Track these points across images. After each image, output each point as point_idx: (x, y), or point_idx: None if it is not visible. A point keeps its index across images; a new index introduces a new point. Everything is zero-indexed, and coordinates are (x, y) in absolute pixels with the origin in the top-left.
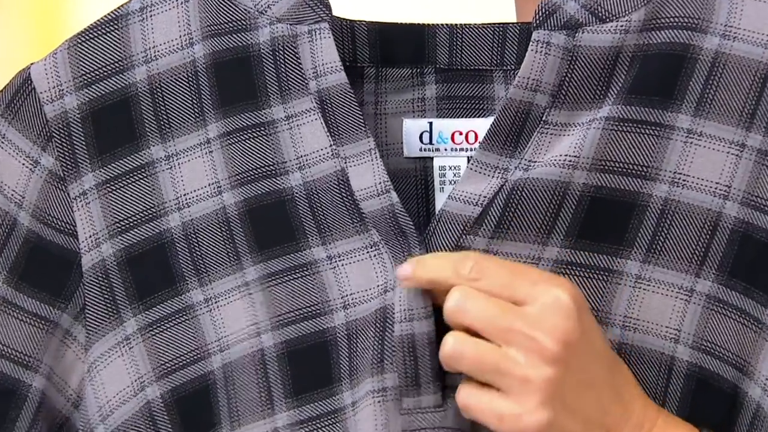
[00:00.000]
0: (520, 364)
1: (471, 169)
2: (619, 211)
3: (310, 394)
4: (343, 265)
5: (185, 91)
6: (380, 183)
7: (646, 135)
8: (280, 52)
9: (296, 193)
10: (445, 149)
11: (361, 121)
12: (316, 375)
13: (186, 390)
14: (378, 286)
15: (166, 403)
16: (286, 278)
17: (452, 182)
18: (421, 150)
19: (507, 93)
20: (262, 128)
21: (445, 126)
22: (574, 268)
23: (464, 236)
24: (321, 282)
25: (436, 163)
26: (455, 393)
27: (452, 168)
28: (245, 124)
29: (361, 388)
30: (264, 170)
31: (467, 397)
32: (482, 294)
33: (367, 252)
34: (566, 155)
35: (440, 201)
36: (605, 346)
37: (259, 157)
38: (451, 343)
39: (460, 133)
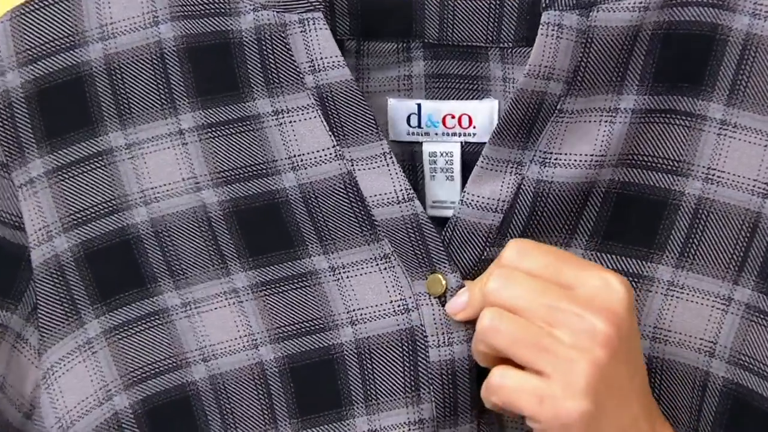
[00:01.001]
0: (565, 343)
1: (482, 167)
2: (648, 210)
3: (317, 416)
4: (348, 277)
5: (150, 74)
6: (401, 190)
7: (675, 126)
8: (267, 41)
9: (291, 195)
10: (436, 134)
11: (372, 121)
12: (323, 395)
13: (160, 400)
14: (392, 302)
15: (136, 414)
16: (283, 288)
17: (444, 170)
18: (408, 134)
19: (517, 83)
20: (247, 123)
21: (435, 108)
22: None
23: (488, 248)
24: (323, 294)
25: (426, 148)
26: (486, 417)
27: (444, 154)
28: (228, 118)
29: (386, 416)
30: (252, 169)
31: (502, 377)
32: (523, 273)
33: (377, 264)
34: (593, 155)
35: (431, 190)
36: (642, 358)
37: (246, 155)
38: (489, 316)
39: (453, 117)
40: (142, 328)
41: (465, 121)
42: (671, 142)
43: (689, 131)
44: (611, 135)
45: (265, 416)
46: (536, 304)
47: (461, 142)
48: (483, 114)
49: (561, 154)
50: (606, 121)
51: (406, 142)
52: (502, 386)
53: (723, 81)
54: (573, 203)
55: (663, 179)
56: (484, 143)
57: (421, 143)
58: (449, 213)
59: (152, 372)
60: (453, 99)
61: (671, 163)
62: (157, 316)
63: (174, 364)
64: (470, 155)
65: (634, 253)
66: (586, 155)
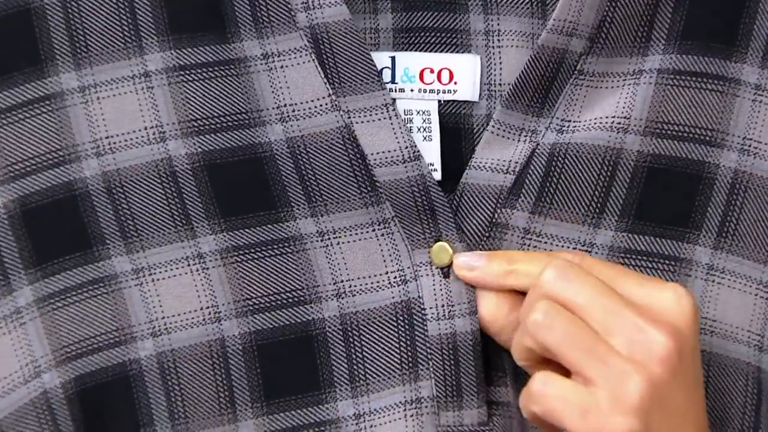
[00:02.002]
0: (621, 354)
1: (493, 133)
2: (682, 185)
3: (287, 400)
4: (338, 243)
5: (110, 4)
6: (406, 147)
7: (707, 91)
8: None
9: (277, 150)
10: (412, 90)
11: (372, 67)
12: (296, 376)
13: (95, 380)
14: (387, 273)
15: (67, 394)
16: (259, 254)
17: (420, 129)
18: None
19: (538, 40)
20: (231, 66)
21: (412, 61)
22: (634, 256)
23: (499, 210)
24: (307, 262)
25: (401, 106)
26: (501, 409)
27: (421, 113)
28: (206, 60)
29: (377, 398)
30: (232, 119)
31: (545, 384)
32: (586, 271)
33: (373, 230)
34: (614, 117)
35: None
36: (701, 380)
37: (226, 103)
38: (545, 308)
39: (431, 71)
40: (83, 297)
41: (445, 77)
42: (703, 109)
43: (722, 97)
44: (635, 96)
45: (221, 400)
46: (596, 304)
47: (439, 100)
48: (465, 69)
49: (579, 121)
50: (630, 84)
51: None
52: (544, 394)
53: (757, 41)
54: (598, 175)
55: (696, 150)
56: (464, 102)
57: (394, 101)
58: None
59: (90, 347)
60: (431, 52)
61: (704, 133)
62: (101, 284)
63: (116, 339)
64: (449, 116)
65: (669, 234)
66: (606, 117)
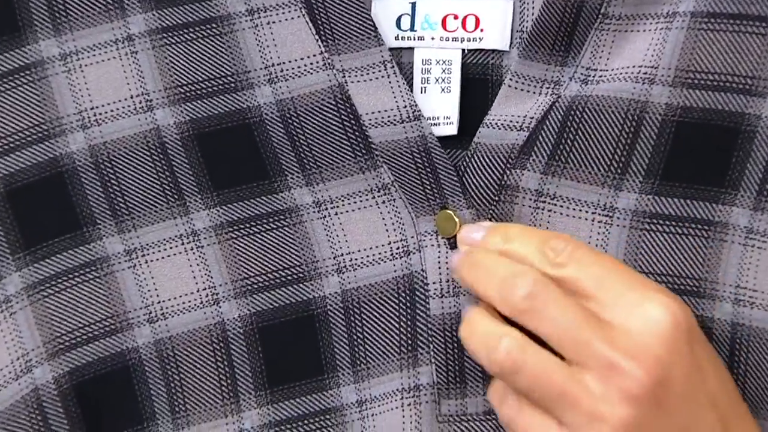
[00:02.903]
0: (593, 395)
1: (510, 86)
2: (716, 140)
3: (291, 387)
4: (336, 213)
5: None
6: (406, 107)
7: (746, 35)
8: None
9: (266, 114)
10: (432, 38)
11: (369, 22)
12: (300, 360)
13: (92, 372)
14: (390, 244)
15: (61, 390)
16: (255, 229)
17: (439, 80)
18: (397, 38)
19: None
20: (213, 26)
21: (434, 6)
22: (661, 222)
23: (509, 171)
24: (304, 236)
25: (419, 55)
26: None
27: (441, 62)
28: (189, 19)
29: (377, 383)
30: (218, 83)
31: (513, 412)
32: (564, 292)
33: (373, 197)
34: (641, 66)
35: (420, 105)
36: (726, 390)
37: (211, 65)
38: (507, 347)
39: (455, 17)
40: (75, 283)
41: (470, 23)
42: (742, 55)
43: (763, 39)
44: (664, 43)
45: (224, 389)
46: (568, 337)
47: (463, 50)
48: (494, 16)
49: (607, 70)
50: (661, 28)
51: (393, 49)
52: (513, 424)
53: None
54: (618, 127)
55: (734, 101)
56: (493, 51)
57: (411, 50)
58: (444, 131)
59: (84, 337)
60: None
61: (743, 81)
62: (93, 267)
63: (112, 327)
64: (475, 66)
65: (701, 195)
66: (630, 66)
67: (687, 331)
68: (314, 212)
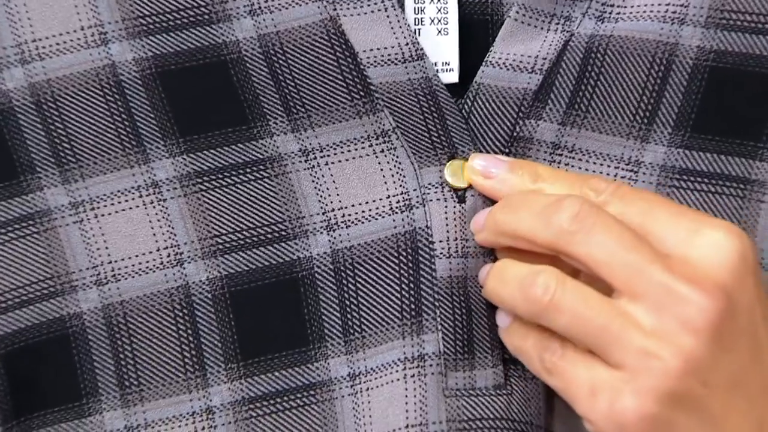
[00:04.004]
0: (645, 329)
1: (516, 20)
2: (753, 88)
3: (269, 359)
4: (327, 164)
5: None
6: (407, 44)
7: None
8: None
9: (247, 50)
10: None
11: None
12: (279, 330)
13: (22, 341)
14: (390, 197)
15: None
16: (228, 180)
17: (435, 21)
18: None
19: None
20: None
21: None
22: (692, 178)
23: (521, 121)
24: (289, 188)
25: None
26: (520, 369)
27: (436, 1)
28: None
29: (374, 354)
30: (188, 14)
31: (556, 357)
32: (612, 217)
33: (370, 145)
34: (668, 4)
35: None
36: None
37: None
38: (545, 282)
39: None
40: (8, 239)
41: None
42: None
43: None
44: None
45: (186, 360)
46: (618, 261)
47: None
48: None
49: (625, 6)
50: None
51: None
52: (554, 367)
53: None
54: (644, 73)
55: None
56: None
57: None
58: (444, 79)
59: (17, 300)
60: None
61: None
62: (30, 221)
63: (51, 290)
64: (474, 5)
65: (737, 149)
66: (660, 4)
67: (752, 260)
68: (300, 162)
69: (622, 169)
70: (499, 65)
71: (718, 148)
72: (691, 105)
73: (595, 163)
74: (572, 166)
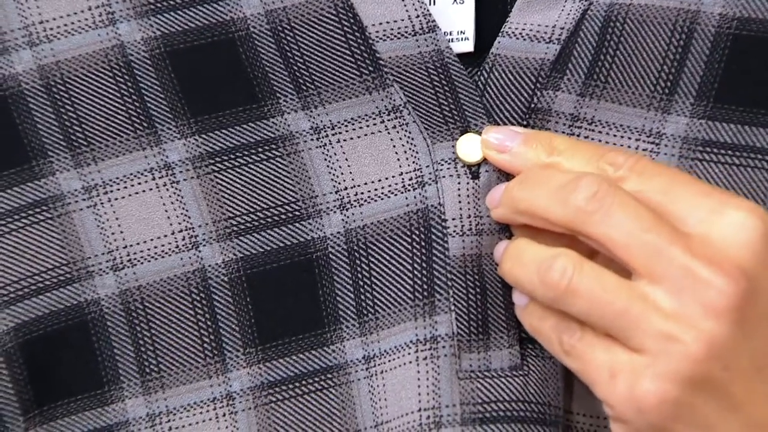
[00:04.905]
0: (665, 312)
1: None
2: None
3: (286, 343)
4: (339, 141)
5: None
6: (418, 17)
7: None
8: None
9: (255, 27)
10: None
11: None
12: (296, 313)
13: (41, 329)
14: (402, 174)
15: (4, 349)
16: (241, 160)
17: None
18: None
19: None
20: None
21: None
22: (715, 150)
23: (539, 92)
24: (301, 167)
25: None
26: (537, 349)
27: None
28: None
29: (387, 335)
30: None
31: (574, 341)
32: (631, 196)
33: (381, 121)
34: None
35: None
36: None
37: None
38: (562, 265)
39: None
40: (21, 225)
41: None
42: None
43: None
44: None
45: (206, 346)
46: (637, 242)
47: None
48: None
49: None
50: None
51: None
52: (572, 349)
53: None
54: (665, 41)
55: None
56: None
57: None
58: (459, 48)
59: (33, 288)
60: None
61: None
62: (44, 207)
63: (68, 276)
64: None
65: (762, 120)
66: None
67: None
68: (312, 140)
69: (644, 141)
70: (515, 35)
71: (742, 119)
72: (713, 74)
73: (615, 135)
74: (592, 138)
